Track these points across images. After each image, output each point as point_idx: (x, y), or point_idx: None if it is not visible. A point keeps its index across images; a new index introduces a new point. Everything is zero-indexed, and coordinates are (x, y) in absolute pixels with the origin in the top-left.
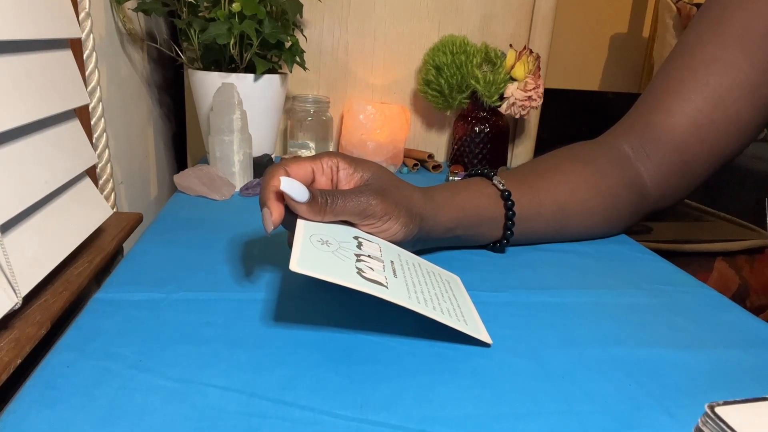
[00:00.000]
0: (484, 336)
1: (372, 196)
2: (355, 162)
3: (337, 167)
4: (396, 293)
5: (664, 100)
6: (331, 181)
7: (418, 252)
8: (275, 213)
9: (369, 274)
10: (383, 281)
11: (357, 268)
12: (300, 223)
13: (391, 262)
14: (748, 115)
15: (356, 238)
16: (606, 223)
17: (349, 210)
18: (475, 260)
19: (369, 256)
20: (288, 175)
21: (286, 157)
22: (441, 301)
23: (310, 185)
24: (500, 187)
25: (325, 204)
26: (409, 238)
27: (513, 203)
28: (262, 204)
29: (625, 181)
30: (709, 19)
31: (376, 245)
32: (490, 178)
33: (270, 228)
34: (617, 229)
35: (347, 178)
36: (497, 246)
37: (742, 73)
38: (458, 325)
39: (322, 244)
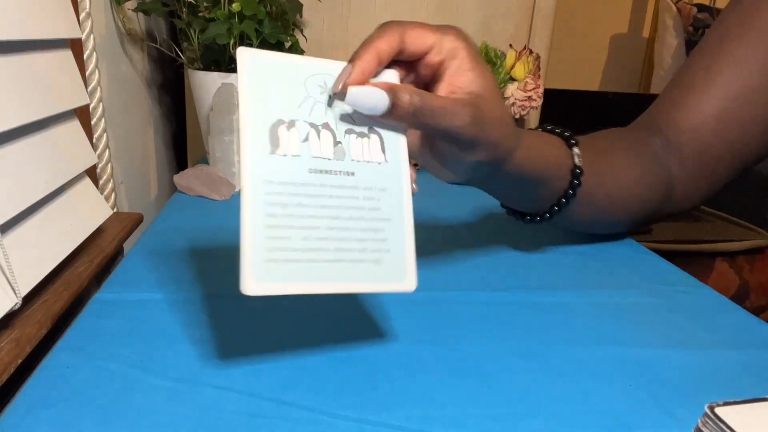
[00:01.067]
0: (407, 282)
1: (475, 128)
2: (475, 61)
3: (454, 56)
4: None
5: (689, 95)
6: (441, 64)
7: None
8: (356, 72)
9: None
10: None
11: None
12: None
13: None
14: None
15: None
16: (632, 217)
17: (441, 128)
18: (475, 260)
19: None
20: (404, 43)
21: None
22: (353, 230)
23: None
24: (577, 161)
25: (409, 115)
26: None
27: (579, 184)
28: (351, 58)
29: (662, 178)
30: (737, 16)
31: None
32: (571, 147)
33: (338, 87)
34: (636, 226)
35: (457, 72)
36: (537, 219)
37: None
38: (363, 277)
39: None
